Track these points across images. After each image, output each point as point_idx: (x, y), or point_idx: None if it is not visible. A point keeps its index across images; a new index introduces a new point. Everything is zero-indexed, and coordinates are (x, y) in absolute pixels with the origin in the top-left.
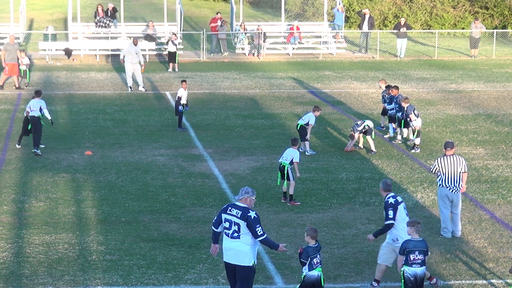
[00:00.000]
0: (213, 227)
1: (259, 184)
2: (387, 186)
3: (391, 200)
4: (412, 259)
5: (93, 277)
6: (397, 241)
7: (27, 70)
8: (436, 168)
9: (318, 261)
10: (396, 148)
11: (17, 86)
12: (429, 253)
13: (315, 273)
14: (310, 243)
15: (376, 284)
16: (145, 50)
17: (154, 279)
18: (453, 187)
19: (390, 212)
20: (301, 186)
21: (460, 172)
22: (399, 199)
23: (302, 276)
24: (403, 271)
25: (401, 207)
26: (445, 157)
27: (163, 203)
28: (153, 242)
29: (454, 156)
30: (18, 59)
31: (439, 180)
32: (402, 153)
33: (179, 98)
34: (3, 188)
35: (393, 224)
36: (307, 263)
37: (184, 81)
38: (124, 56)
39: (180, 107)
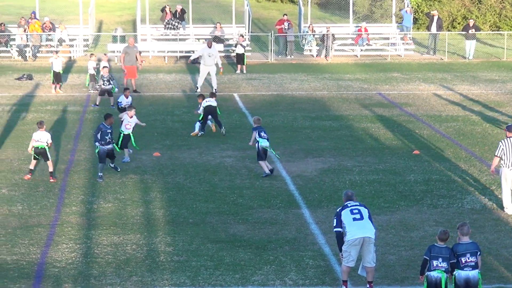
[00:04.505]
0: None
1: (326, 186)
2: (347, 196)
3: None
4: (464, 262)
5: (160, 278)
6: None
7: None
8: (502, 149)
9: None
10: (464, 150)
11: (134, 89)
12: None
13: (435, 274)
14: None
15: None
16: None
17: (221, 280)
18: None
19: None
20: (368, 188)
21: None
22: (350, 204)
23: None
24: (454, 275)
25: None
26: (507, 139)
27: (230, 204)
28: (221, 243)
29: None
30: (137, 61)
31: (503, 161)
32: (470, 155)
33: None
34: (72, 189)
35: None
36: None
37: (127, 88)
38: (196, 58)
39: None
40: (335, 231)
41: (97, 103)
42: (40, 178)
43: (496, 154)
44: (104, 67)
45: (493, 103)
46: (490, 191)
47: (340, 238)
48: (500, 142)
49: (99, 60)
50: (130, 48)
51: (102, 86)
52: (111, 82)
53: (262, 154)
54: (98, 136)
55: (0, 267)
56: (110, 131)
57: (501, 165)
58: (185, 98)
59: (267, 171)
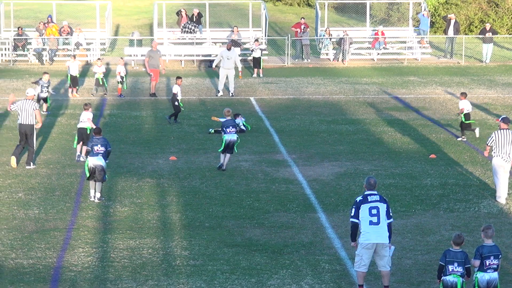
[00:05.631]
0: None
1: (343, 190)
2: (369, 184)
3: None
4: (487, 264)
5: (176, 282)
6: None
7: (104, 78)
8: (493, 139)
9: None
10: (481, 154)
11: (152, 91)
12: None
13: (451, 278)
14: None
15: None
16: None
17: (237, 284)
18: (506, 157)
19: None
20: (384, 192)
21: None
22: (370, 198)
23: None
24: (477, 277)
25: (363, 208)
26: (500, 131)
27: (247, 208)
28: (237, 247)
29: (508, 130)
30: (160, 65)
31: (494, 151)
32: (486, 159)
33: (175, 95)
34: (88, 193)
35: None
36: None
37: (180, 77)
38: (217, 63)
39: (176, 103)
40: (352, 221)
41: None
42: (57, 182)
43: (487, 143)
44: (45, 73)
45: (510, 107)
46: (507, 195)
47: (354, 229)
48: (493, 133)
49: (107, 64)
50: (154, 52)
51: (40, 94)
52: (49, 90)
53: (225, 148)
54: None
55: (16, 271)
56: None
57: (492, 155)
58: (201, 102)
59: (222, 162)
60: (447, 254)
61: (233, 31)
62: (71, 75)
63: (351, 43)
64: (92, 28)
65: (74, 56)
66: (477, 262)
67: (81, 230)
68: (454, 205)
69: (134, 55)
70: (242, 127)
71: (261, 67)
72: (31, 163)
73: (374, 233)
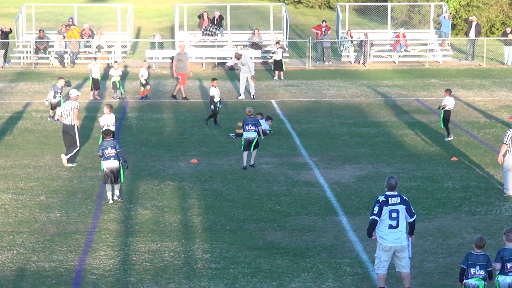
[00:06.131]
0: None
1: (364, 193)
2: (390, 185)
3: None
4: (509, 267)
5: (198, 285)
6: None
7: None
8: (510, 137)
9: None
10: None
11: (174, 94)
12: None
13: (473, 281)
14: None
15: None
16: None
17: (259, 287)
18: None
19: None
20: (406, 195)
21: None
22: (391, 201)
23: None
24: (498, 280)
25: (384, 211)
26: None
27: (268, 211)
28: (258, 251)
29: None
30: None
31: (508, 149)
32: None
33: (212, 97)
34: None
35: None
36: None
37: (215, 79)
38: (232, 64)
39: (213, 106)
40: (373, 218)
41: (56, 118)
42: (78, 185)
43: (504, 142)
44: (60, 78)
45: None
46: None
47: (374, 226)
48: (508, 131)
49: (125, 67)
50: (182, 55)
51: (52, 99)
52: (61, 96)
53: (245, 146)
54: None
55: (38, 274)
56: None
57: (507, 152)
58: (223, 105)
59: (245, 164)
60: (469, 257)
61: (254, 34)
62: (92, 77)
63: (372, 46)
64: (113, 31)
65: (95, 59)
66: (498, 265)
67: (102, 233)
68: (475, 208)
69: (155, 57)
70: (267, 131)
71: (283, 70)
72: (67, 156)
73: (392, 236)
